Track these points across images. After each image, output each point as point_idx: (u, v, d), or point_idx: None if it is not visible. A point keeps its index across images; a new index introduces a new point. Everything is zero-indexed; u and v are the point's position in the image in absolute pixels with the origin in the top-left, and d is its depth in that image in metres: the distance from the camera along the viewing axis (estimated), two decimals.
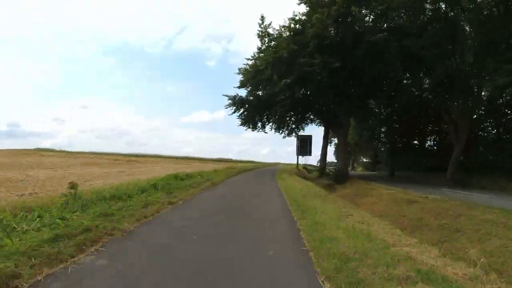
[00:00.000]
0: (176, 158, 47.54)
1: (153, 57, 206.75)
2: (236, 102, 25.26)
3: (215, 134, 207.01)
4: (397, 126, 30.56)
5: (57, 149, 49.84)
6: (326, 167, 31.84)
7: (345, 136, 25.42)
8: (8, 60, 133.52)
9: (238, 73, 24.54)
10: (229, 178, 15.51)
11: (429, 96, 24.25)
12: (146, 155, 48.59)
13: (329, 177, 25.79)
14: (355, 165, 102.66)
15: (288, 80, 18.25)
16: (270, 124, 27.29)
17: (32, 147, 49.77)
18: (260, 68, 20.79)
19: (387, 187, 15.16)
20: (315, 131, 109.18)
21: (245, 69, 23.77)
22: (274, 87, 20.15)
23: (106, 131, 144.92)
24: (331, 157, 78.73)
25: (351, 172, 34.43)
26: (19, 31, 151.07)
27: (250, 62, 23.23)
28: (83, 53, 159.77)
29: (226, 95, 25.58)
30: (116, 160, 31.76)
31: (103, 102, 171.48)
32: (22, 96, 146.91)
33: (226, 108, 25.65)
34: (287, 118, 26.92)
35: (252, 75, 22.35)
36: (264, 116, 26.52)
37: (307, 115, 28.18)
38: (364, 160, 79.66)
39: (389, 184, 17.57)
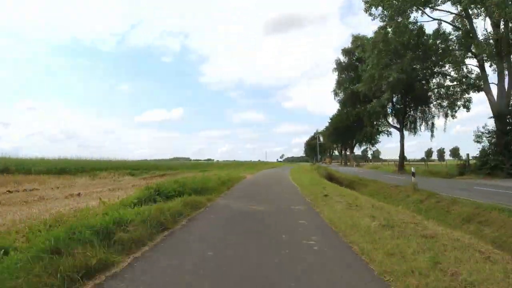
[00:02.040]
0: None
1: (105, 54, 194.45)
2: None
3: (171, 133, 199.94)
4: None
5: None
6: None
7: None
8: None
9: None
10: None
11: None
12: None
13: None
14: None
15: None
16: None
17: None
18: None
19: None
20: None
21: None
22: None
23: (56, 134, 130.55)
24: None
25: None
26: None
27: None
28: (28, 52, 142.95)
29: None
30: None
31: (51, 103, 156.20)
32: None
33: None
34: None
35: None
36: None
37: None
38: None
39: None
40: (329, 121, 66.04)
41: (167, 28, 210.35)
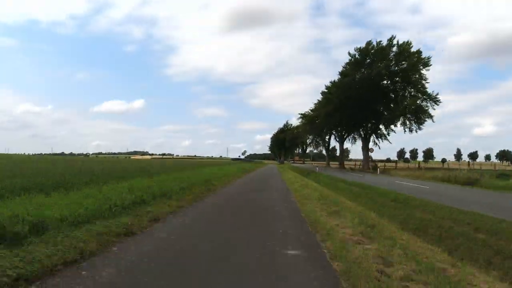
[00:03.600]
0: None
1: (63, 38, 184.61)
2: None
3: (130, 125, 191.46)
4: None
5: None
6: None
7: None
8: None
9: None
10: None
11: None
12: None
13: None
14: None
15: None
16: None
17: None
18: None
19: None
20: None
21: None
22: None
23: (8, 123, 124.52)
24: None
25: None
26: None
27: None
28: None
29: None
30: None
31: (2, 90, 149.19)
32: None
33: None
34: None
35: None
36: None
37: None
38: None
39: None
40: (325, 90, 43.12)
41: (133, 14, 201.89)
